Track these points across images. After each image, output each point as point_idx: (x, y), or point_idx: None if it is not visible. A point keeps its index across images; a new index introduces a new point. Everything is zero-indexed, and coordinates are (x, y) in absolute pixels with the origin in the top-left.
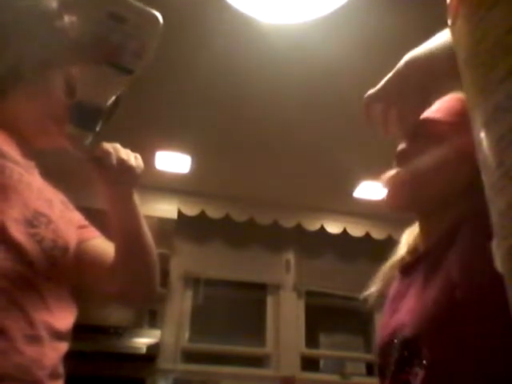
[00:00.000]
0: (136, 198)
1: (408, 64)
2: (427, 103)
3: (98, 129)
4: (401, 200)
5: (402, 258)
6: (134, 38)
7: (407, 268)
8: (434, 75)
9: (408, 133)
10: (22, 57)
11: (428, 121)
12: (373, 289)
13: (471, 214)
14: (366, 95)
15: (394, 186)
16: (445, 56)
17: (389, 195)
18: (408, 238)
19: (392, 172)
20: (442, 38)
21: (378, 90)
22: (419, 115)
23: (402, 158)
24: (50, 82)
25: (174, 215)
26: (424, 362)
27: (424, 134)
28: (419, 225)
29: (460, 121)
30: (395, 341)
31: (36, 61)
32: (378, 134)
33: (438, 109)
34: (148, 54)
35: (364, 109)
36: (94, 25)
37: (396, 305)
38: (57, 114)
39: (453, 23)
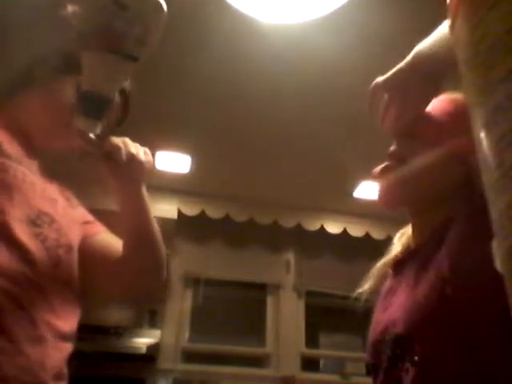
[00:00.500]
0: (145, 192)
1: (414, 56)
2: (426, 103)
3: (104, 118)
4: (393, 197)
5: (395, 257)
6: (136, 24)
7: (399, 265)
8: (439, 65)
9: (400, 133)
10: (35, 59)
11: (419, 121)
12: (366, 286)
13: (462, 212)
14: (374, 82)
15: (385, 183)
16: (447, 47)
17: (381, 193)
18: (401, 237)
19: (382, 167)
20: (445, 28)
21: (386, 79)
22: (416, 113)
23: (394, 157)
24: (59, 87)
25: (174, 215)
26: (416, 358)
27: (415, 134)
28: (411, 223)
29: (451, 122)
30: (386, 337)
31: (48, 63)
32: (377, 126)
33: (430, 109)
34: (152, 41)
35: (370, 96)
36: (96, 13)
37: (387, 301)
38: (63, 118)
39: (453, 23)
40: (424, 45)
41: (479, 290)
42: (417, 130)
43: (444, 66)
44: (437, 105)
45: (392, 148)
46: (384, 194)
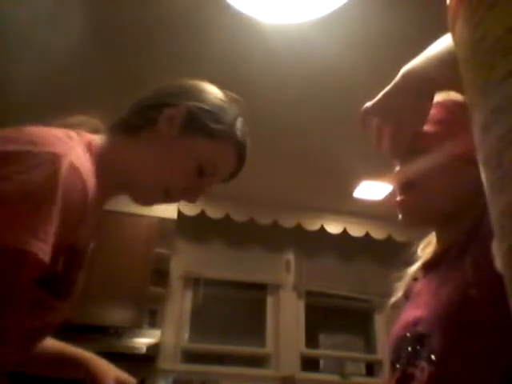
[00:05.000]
0: None
1: (404, 77)
2: (423, 118)
3: None
4: (415, 221)
5: (424, 261)
6: None
7: (427, 267)
8: (430, 86)
9: (401, 153)
10: (159, 105)
11: (417, 135)
12: (398, 294)
13: (488, 216)
14: (363, 107)
15: (404, 210)
16: (439, 66)
17: (403, 219)
18: (425, 246)
19: (399, 195)
20: (437, 47)
21: (375, 104)
22: (413, 132)
23: (403, 183)
24: (186, 147)
25: (174, 215)
26: (433, 357)
27: (416, 149)
28: (436, 232)
29: (445, 129)
30: (408, 335)
31: (175, 116)
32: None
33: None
34: None
35: (360, 121)
36: None
37: (414, 302)
38: (169, 183)
39: (453, 23)
40: (413, 64)
41: (503, 295)
42: (416, 145)
43: (436, 82)
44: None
45: (397, 169)
46: (405, 219)
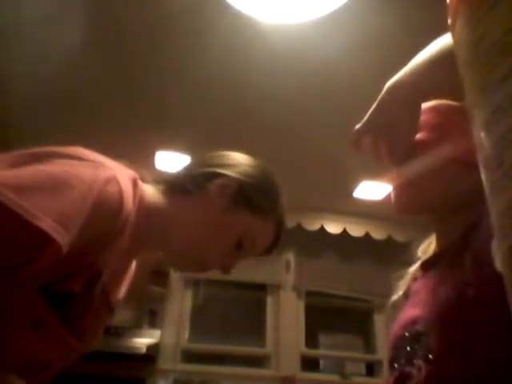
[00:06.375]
0: None
1: (389, 91)
2: (415, 128)
3: None
4: (408, 207)
5: (424, 260)
6: None
7: (426, 266)
8: (417, 94)
9: (399, 161)
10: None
11: (411, 144)
12: (400, 293)
13: (486, 217)
14: (354, 130)
15: (397, 194)
16: (423, 74)
17: (395, 201)
18: (428, 246)
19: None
20: (419, 58)
21: (365, 124)
22: (408, 142)
23: (399, 183)
24: (233, 222)
25: None
26: (430, 356)
27: (413, 155)
28: (435, 228)
29: (440, 134)
30: (406, 334)
31: (228, 185)
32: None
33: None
34: None
35: (353, 143)
36: None
37: (413, 301)
38: (206, 254)
39: (453, 23)
40: (396, 77)
41: (502, 295)
42: (413, 153)
43: (422, 90)
44: (422, 119)
45: (396, 171)
46: (398, 201)
